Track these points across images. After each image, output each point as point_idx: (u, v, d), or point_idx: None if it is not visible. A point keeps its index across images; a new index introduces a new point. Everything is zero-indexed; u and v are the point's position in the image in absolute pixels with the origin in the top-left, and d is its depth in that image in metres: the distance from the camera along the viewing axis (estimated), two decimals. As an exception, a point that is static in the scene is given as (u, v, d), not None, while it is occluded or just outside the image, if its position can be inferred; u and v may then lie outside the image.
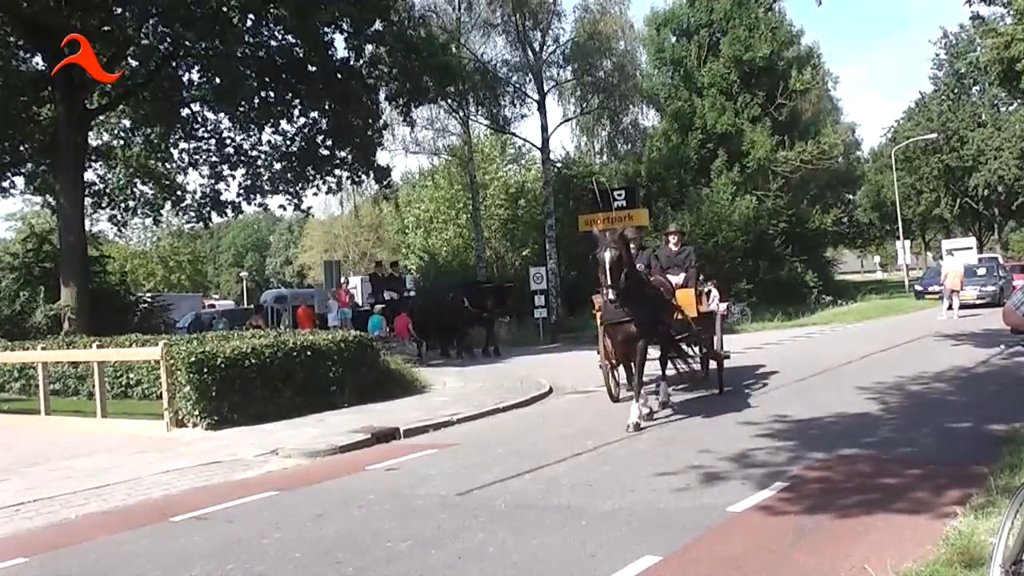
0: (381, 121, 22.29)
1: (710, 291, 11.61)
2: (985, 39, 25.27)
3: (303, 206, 23.09)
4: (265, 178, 22.04)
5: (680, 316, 10.60)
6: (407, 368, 14.67)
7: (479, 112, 32.67)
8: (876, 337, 18.73)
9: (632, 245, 10.93)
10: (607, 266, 8.59)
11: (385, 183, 23.43)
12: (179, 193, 23.47)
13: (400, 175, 39.61)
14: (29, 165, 21.64)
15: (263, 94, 20.13)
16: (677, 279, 11.16)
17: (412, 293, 22.61)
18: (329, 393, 11.88)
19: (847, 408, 9.48)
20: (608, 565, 4.74)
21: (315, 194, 23.31)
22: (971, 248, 36.19)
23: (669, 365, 10.87)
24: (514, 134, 35.78)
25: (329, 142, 21.42)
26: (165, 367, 10.98)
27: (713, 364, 11.49)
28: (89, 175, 21.54)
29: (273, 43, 20.07)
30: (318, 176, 21.87)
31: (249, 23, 19.25)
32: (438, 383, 14.11)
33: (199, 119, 21.61)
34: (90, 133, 20.62)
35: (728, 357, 11.61)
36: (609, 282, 8.62)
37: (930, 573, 4.18)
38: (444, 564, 4.97)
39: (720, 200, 33.32)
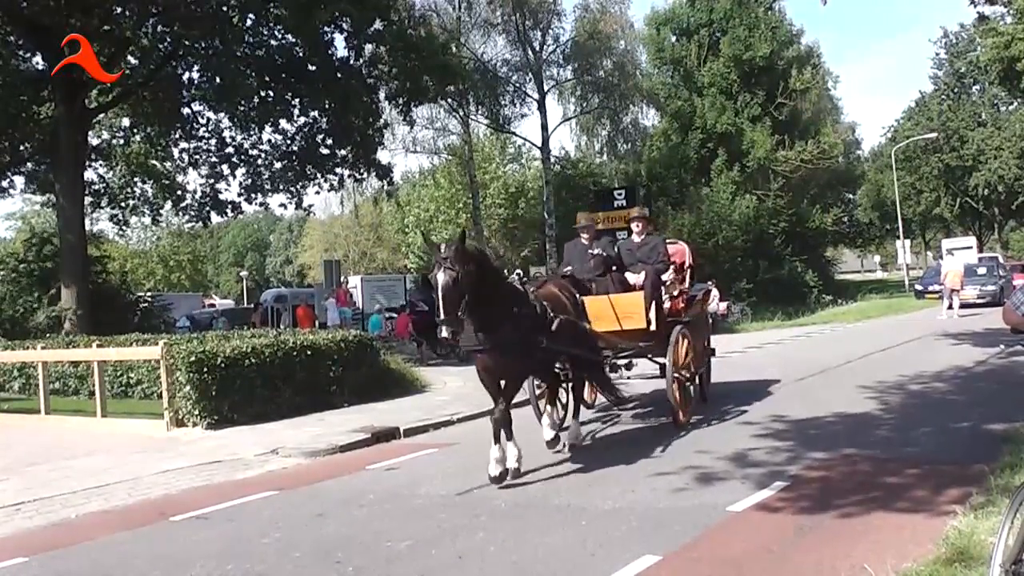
0: (381, 120, 22.30)
1: (710, 291, 11.23)
2: (985, 38, 25.31)
3: (304, 204, 23.09)
4: (265, 177, 22.04)
5: (613, 330, 8.65)
6: (407, 368, 14.68)
7: (479, 112, 32.75)
8: (876, 336, 18.72)
9: (586, 235, 9.31)
10: (439, 292, 6.46)
11: (387, 180, 23.43)
12: (179, 192, 23.48)
13: (400, 175, 39.60)
14: (29, 165, 21.65)
15: (263, 94, 20.12)
16: (637, 277, 9.20)
17: None
18: (329, 393, 11.88)
19: (847, 408, 9.48)
20: (608, 565, 4.74)
21: (317, 193, 23.48)
22: (971, 247, 36.19)
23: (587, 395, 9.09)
24: (514, 133, 35.85)
25: (329, 141, 21.43)
26: (165, 367, 10.98)
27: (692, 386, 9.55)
28: (89, 174, 21.55)
29: (273, 43, 20.08)
30: (318, 175, 21.87)
31: (249, 23, 19.27)
32: (438, 383, 14.11)
33: (199, 119, 21.62)
34: (90, 132, 20.62)
35: (691, 381, 9.38)
36: (442, 314, 6.45)
37: (930, 573, 4.18)
38: (444, 564, 4.97)
39: (720, 200, 33.37)
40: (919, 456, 7.02)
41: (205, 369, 10.66)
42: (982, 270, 28.76)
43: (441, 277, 6.47)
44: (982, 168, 45.54)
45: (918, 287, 33.47)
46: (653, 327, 8.83)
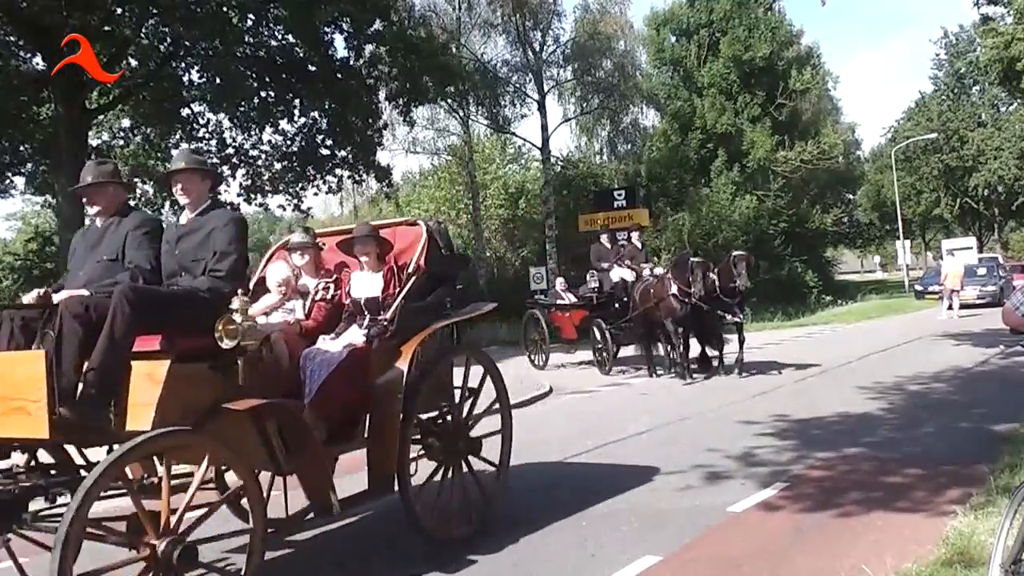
0: (381, 121, 22.29)
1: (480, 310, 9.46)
2: (985, 39, 25.33)
3: (303, 206, 23.06)
4: (265, 178, 22.04)
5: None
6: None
7: (479, 112, 32.70)
8: (876, 337, 18.73)
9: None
10: None
11: (386, 182, 23.44)
12: (179, 193, 23.43)
13: (400, 175, 39.57)
14: (29, 165, 21.63)
15: (263, 94, 20.12)
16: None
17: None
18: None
19: (847, 408, 9.49)
20: (608, 565, 4.75)
21: (316, 194, 23.32)
22: (971, 248, 36.21)
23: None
24: (514, 134, 35.80)
25: (329, 142, 21.43)
26: (165, 367, 10.94)
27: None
28: (89, 175, 21.51)
29: (273, 43, 20.07)
30: (318, 176, 21.87)
31: (249, 23, 19.26)
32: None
33: (199, 119, 21.59)
34: (90, 132, 20.60)
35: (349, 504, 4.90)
36: None
37: (930, 573, 4.19)
38: (444, 564, 4.97)
39: (720, 200, 33.36)
40: (919, 456, 7.02)
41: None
42: (982, 271, 28.75)
43: None
44: (982, 168, 45.52)
45: (918, 287, 33.46)
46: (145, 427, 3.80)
